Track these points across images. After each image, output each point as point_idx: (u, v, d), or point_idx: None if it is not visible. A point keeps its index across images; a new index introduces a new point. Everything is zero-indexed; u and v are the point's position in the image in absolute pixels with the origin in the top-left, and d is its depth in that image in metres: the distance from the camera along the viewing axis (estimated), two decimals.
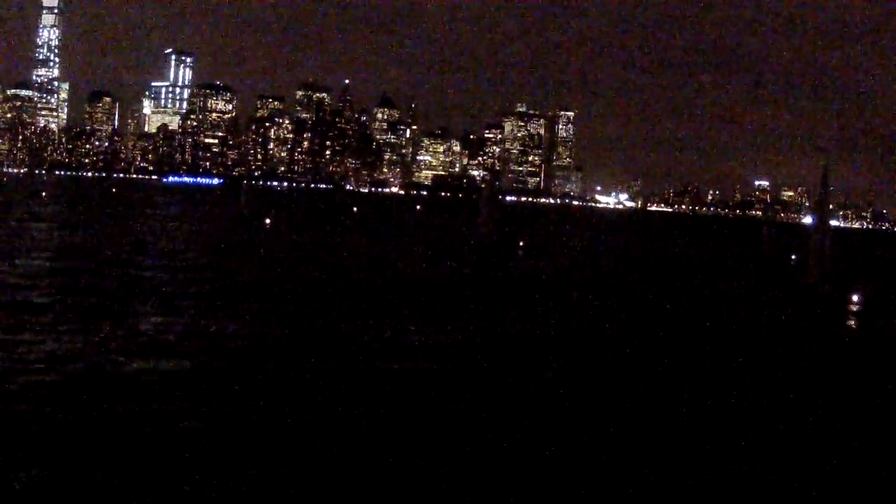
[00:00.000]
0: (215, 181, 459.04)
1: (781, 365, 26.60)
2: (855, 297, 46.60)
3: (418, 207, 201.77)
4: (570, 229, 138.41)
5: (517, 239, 78.22)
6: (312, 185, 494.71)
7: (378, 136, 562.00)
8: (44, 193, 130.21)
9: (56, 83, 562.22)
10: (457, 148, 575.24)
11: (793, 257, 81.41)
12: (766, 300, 46.48)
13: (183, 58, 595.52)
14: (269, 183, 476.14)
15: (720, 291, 50.66)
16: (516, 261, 60.50)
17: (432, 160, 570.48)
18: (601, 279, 51.53)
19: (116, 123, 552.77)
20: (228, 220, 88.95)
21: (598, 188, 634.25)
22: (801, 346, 31.41)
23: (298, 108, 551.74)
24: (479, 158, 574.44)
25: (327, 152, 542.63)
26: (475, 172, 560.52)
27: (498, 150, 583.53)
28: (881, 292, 55.38)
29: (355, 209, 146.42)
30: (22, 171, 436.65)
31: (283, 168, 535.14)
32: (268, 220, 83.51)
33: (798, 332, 35.05)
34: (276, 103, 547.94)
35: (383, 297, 35.00)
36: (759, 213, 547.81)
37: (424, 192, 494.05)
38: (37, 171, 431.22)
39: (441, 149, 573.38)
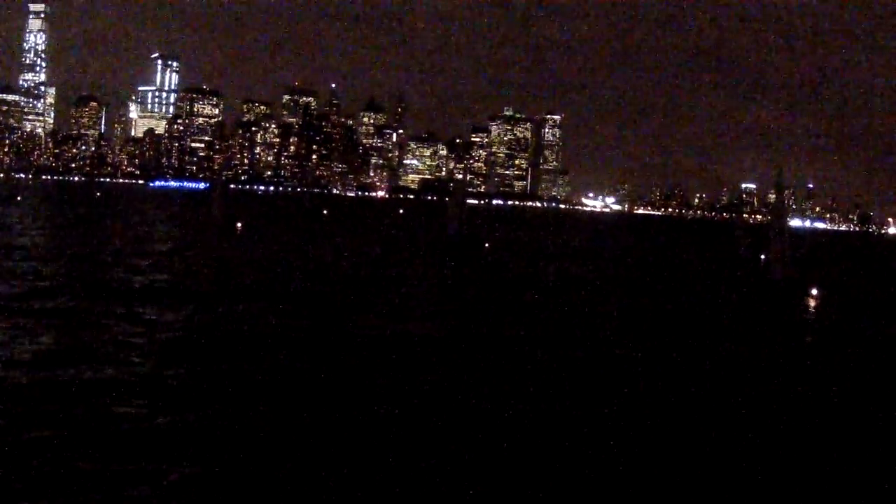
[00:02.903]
0: (202, 185, 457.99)
1: (738, 349, 27.63)
2: (814, 292, 48.49)
3: (401, 211, 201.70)
4: (548, 231, 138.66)
5: (483, 240, 78.61)
6: (299, 189, 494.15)
7: (364, 141, 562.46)
8: (19, 198, 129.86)
9: (42, 88, 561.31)
10: (443, 152, 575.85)
11: (762, 257, 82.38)
12: (731, 295, 48.05)
13: (169, 62, 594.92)
14: (255, 187, 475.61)
15: (689, 288, 51.48)
16: (481, 261, 60.76)
17: (419, 164, 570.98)
18: (571, 279, 51.73)
19: (103, 128, 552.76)
20: (201, 225, 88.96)
21: (588, 193, 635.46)
22: (755, 333, 32.54)
23: (285, 113, 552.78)
24: (466, 162, 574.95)
25: (314, 156, 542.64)
26: (462, 176, 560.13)
27: (484, 153, 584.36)
28: (838, 289, 56.97)
29: (325, 212, 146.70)
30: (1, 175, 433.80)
31: (269, 172, 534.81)
32: (239, 224, 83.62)
33: (755, 321, 36.67)
34: (262, 107, 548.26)
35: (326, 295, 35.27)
36: (747, 215, 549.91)
37: (411, 196, 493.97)
38: (17, 175, 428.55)
39: (427, 153, 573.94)
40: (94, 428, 14.74)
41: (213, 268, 44.43)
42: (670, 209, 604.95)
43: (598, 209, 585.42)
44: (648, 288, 49.39)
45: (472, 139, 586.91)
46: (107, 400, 16.47)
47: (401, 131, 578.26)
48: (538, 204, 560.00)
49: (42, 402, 15.98)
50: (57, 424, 14.66)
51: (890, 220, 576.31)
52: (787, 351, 29.38)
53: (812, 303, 46.88)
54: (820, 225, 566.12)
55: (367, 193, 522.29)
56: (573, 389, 20.18)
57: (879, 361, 28.62)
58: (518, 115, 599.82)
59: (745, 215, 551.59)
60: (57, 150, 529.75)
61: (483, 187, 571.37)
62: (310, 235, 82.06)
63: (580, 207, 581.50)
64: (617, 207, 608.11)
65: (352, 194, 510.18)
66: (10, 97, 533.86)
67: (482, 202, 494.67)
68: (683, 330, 32.41)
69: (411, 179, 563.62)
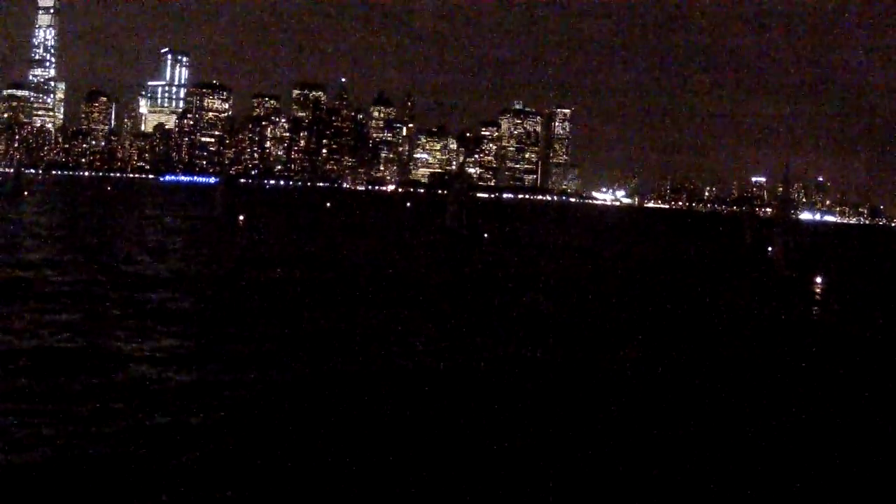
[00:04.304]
0: (212, 180, 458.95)
1: (739, 337, 27.49)
2: (818, 280, 49.34)
3: (408, 205, 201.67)
4: (552, 226, 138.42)
5: (482, 232, 78.45)
6: (309, 184, 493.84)
7: (374, 135, 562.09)
8: (25, 193, 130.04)
9: (52, 83, 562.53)
10: (453, 146, 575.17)
11: (769, 249, 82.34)
12: (736, 286, 48.34)
13: (179, 57, 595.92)
14: (265, 181, 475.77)
15: (693, 281, 51.34)
16: (479, 253, 60.52)
17: (429, 158, 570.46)
18: (570, 276, 51.40)
19: (113, 123, 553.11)
20: (204, 219, 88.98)
21: (600, 187, 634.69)
22: (755, 328, 32.52)
23: (295, 107, 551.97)
24: (476, 156, 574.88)
25: (324, 151, 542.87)
26: (472, 170, 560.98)
27: (494, 147, 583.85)
28: (840, 279, 57.34)
29: (328, 204, 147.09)
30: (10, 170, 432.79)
31: (279, 167, 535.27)
32: (241, 218, 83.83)
33: (757, 310, 36.93)
34: (272, 102, 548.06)
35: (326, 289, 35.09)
36: (757, 208, 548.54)
37: (421, 190, 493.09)
38: (23, 171, 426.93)
39: (437, 146, 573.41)
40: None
41: (212, 261, 44.29)
42: (680, 203, 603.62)
43: (609, 203, 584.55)
44: (651, 285, 49.00)
45: (482, 133, 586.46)
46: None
47: (410, 125, 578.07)
48: (548, 198, 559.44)
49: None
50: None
51: None
52: (785, 343, 29.02)
53: (817, 290, 47.33)
54: (830, 218, 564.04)
55: (377, 187, 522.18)
56: (568, 390, 19.78)
57: (872, 352, 28.35)
58: (528, 109, 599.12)
59: (755, 209, 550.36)
60: (67, 146, 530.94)
61: (493, 181, 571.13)
62: (309, 230, 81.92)
63: (590, 201, 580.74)
64: (627, 201, 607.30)
65: (362, 188, 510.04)
66: (19, 92, 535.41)
67: (492, 196, 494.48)
68: (682, 325, 32.03)
69: (421, 173, 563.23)
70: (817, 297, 46.48)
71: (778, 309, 39.85)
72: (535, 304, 35.06)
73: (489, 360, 22.33)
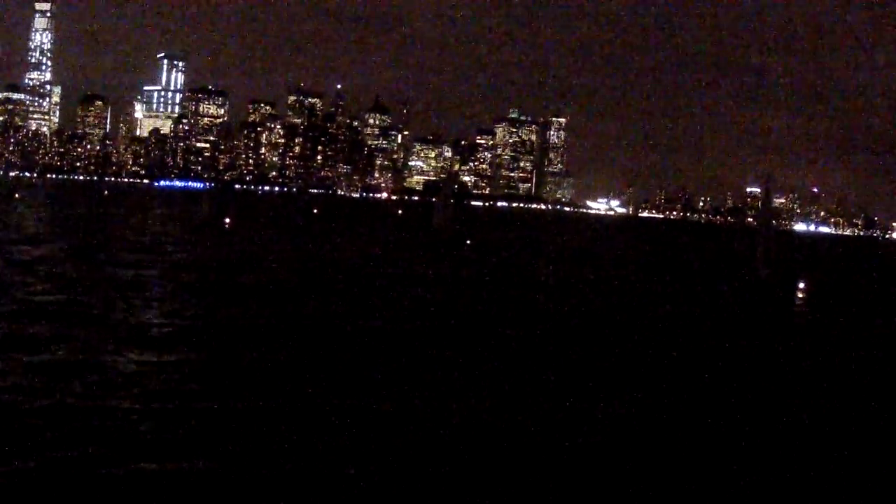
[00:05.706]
0: (208, 186, 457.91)
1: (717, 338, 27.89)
2: (801, 286, 50.42)
3: (399, 212, 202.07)
4: (541, 232, 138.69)
5: (465, 237, 78.84)
6: (297, 190, 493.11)
7: (370, 142, 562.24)
8: (17, 195, 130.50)
9: (48, 86, 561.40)
10: (448, 153, 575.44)
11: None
12: (719, 291, 49.21)
13: (175, 62, 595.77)
14: (260, 187, 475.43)
15: (676, 284, 51.96)
16: (460, 256, 60.95)
17: (424, 165, 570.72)
18: (559, 278, 51.72)
19: (108, 127, 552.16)
20: (190, 222, 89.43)
21: (592, 195, 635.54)
22: (735, 323, 33.08)
23: (290, 113, 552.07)
24: (471, 164, 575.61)
25: (319, 157, 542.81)
26: (467, 178, 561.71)
27: (489, 155, 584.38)
28: (821, 284, 58.16)
29: (315, 210, 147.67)
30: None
31: (274, 173, 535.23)
32: (227, 220, 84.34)
33: (737, 312, 37.49)
34: (267, 108, 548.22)
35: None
36: (751, 219, 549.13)
37: (416, 198, 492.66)
38: (23, 174, 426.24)
39: (433, 154, 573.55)
40: None
41: (196, 261, 44.65)
42: (675, 212, 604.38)
43: (603, 212, 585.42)
44: (631, 285, 49.39)
45: (477, 141, 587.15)
46: None
47: (406, 132, 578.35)
48: (543, 206, 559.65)
49: None
50: None
51: (895, 224, 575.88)
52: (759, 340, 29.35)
53: (797, 293, 48.13)
54: (824, 229, 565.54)
55: (372, 195, 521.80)
56: (561, 392, 19.96)
57: (841, 348, 28.68)
58: (523, 118, 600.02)
59: (749, 219, 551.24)
60: (62, 149, 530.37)
61: (487, 189, 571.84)
62: (295, 232, 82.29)
63: (585, 210, 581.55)
64: (622, 210, 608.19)
65: (356, 195, 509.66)
66: (15, 96, 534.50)
67: (487, 204, 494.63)
68: (662, 324, 32.35)
69: (416, 181, 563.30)
70: (795, 299, 47.13)
71: (755, 309, 40.40)
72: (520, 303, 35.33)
73: (487, 360, 22.57)
